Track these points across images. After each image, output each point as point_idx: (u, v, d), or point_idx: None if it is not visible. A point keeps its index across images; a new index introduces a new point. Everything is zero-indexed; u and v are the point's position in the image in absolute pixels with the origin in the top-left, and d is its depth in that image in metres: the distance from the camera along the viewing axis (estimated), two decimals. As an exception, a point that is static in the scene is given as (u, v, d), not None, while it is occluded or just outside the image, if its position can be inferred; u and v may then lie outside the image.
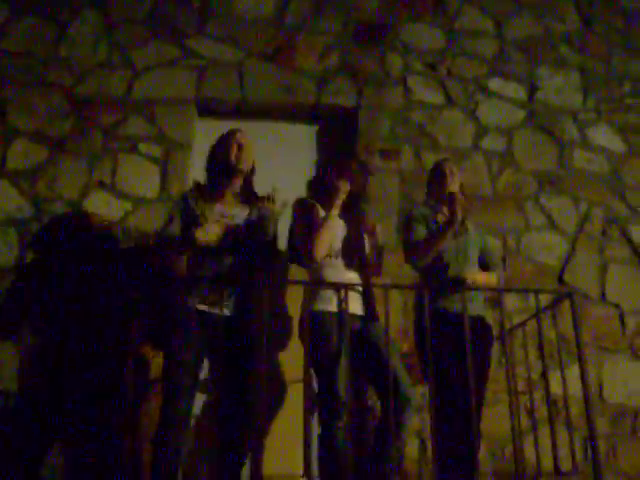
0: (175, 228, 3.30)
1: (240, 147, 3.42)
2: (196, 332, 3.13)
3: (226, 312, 3.19)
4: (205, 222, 3.24)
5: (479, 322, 3.45)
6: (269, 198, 3.43)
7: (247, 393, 3.13)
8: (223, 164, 3.41)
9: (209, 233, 3.17)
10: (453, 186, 3.63)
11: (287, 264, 3.60)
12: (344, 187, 3.34)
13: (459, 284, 3.40)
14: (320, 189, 3.45)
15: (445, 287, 3.45)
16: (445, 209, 3.54)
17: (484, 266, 3.68)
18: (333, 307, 3.16)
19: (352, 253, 3.31)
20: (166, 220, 3.37)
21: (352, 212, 3.42)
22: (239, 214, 3.39)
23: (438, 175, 3.71)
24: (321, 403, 3.11)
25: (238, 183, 3.46)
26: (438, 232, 3.47)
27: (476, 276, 3.51)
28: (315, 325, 3.13)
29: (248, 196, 3.47)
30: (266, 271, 3.41)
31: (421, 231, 3.54)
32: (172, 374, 3.07)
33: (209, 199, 3.38)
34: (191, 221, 3.28)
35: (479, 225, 3.79)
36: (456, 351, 3.17)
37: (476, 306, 3.46)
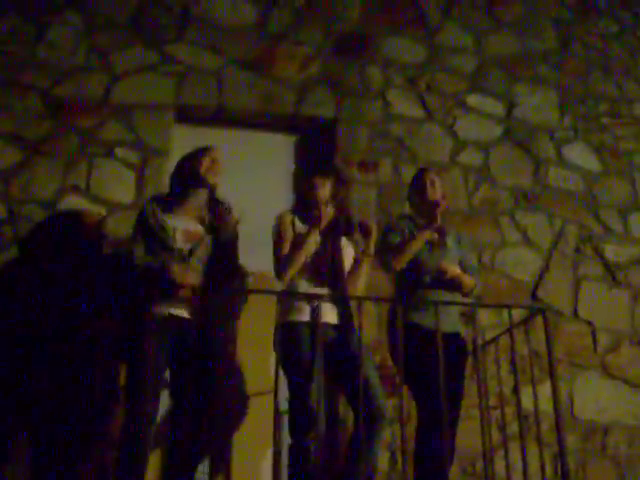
0: (140, 252, 3.26)
1: (213, 162, 3.41)
2: (164, 336, 3.11)
3: (186, 315, 3.17)
4: (171, 236, 3.23)
5: (453, 337, 3.43)
6: (226, 210, 3.42)
7: (204, 402, 3.10)
8: (191, 175, 3.38)
9: (188, 277, 3.14)
10: (434, 196, 3.57)
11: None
12: (325, 196, 3.40)
13: (440, 276, 3.41)
14: (304, 203, 3.47)
15: (424, 287, 3.45)
16: (422, 221, 3.53)
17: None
18: (306, 317, 3.13)
19: (326, 266, 3.31)
20: (131, 244, 3.33)
21: (331, 223, 3.41)
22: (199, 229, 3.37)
23: (419, 185, 3.66)
24: (292, 415, 3.09)
25: (202, 197, 3.42)
26: (414, 235, 3.46)
27: (456, 270, 3.49)
28: (288, 336, 3.11)
29: (208, 211, 3.44)
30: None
31: (397, 237, 3.51)
32: (140, 378, 3.04)
33: (171, 211, 3.34)
34: (153, 234, 3.25)
35: (458, 236, 3.77)
36: (429, 366, 3.12)
37: (450, 321, 3.45)
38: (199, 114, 4.66)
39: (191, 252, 3.25)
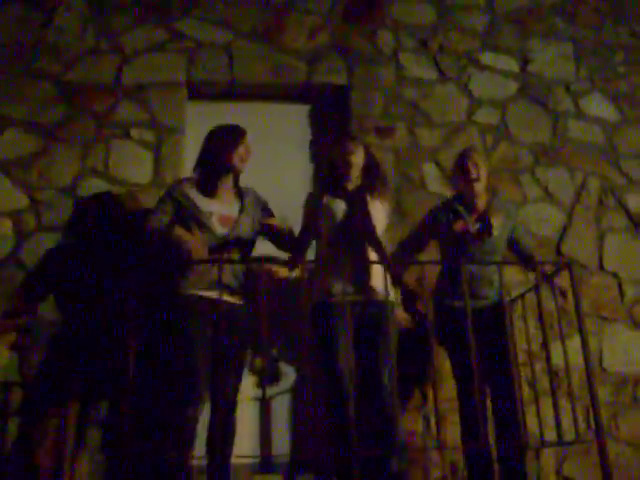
0: (165, 219, 3.33)
1: (246, 151, 3.47)
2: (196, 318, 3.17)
3: (229, 299, 3.25)
4: (209, 220, 3.30)
5: (496, 310, 3.45)
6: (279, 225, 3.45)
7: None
8: (225, 164, 3.45)
9: (199, 249, 3.19)
10: (477, 184, 3.66)
11: None
12: (352, 159, 3.45)
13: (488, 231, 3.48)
14: (329, 175, 3.53)
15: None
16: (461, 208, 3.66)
17: (520, 253, 3.79)
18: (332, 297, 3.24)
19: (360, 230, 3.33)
20: (157, 206, 3.40)
21: (359, 188, 3.45)
22: (234, 208, 3.44)
23: (461, 169, 3.72)
24: (328, 387, 3.13)
25: (230, 180, 3.50)
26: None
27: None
28: (318, 316, 3.23)
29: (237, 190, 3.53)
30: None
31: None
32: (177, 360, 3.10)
33: (204, 195, 3.41)
34: (189, 217, 3.31)
35: (510, 212, 3.79)
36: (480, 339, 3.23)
37: (493, 294, 3.50)
38: (211, 89, 4.65)
39: (232, 238, 3.33)
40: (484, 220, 3.58)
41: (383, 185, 3.51)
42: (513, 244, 3.79)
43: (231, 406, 3.20)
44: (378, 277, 3.30)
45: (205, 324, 3.16)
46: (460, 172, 3.73)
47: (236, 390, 3.24)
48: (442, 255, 3.76)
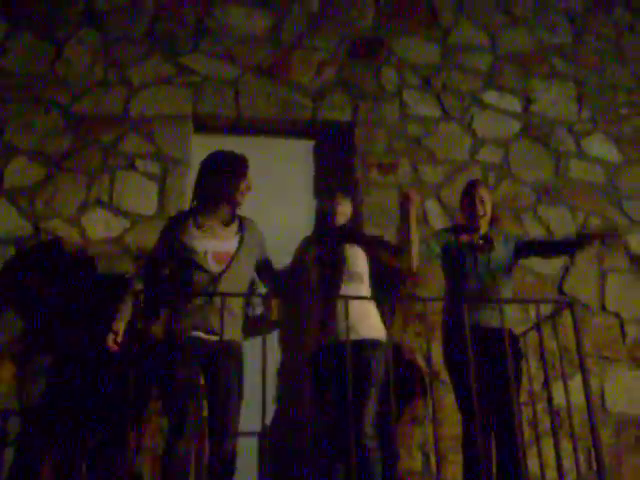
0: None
1: (248, 188, 3.40)
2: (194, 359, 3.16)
3: (214, 338, 3.15)
4: (204, 260, 3.25)
5: (499, 333, 3.42)
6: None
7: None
8: (226, 196, 3.36)
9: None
10: (483, 210, 3.75)
11: None
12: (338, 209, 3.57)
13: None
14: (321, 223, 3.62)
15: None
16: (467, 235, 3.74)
17: (548, 248, 3.89)
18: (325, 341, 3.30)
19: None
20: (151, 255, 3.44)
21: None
22: (232, 243, 3.35)
23: (468, 204, 3.80)
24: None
25: (227, 211, 3.40)
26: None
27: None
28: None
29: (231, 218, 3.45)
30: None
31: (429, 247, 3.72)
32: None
33: (200, 229, 3.33)
34: (184, 259, 3.28)
35: (505, 237, 3.82)
36: (485, 364, 3.30)
37: (496, 316, 3.49)
38: (217, 123, 4.70)
39: (220, 275, 3.24)
40: (485, 238, 3.72)
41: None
42: (527, 250, 3.81)
43: (229, 439, 3.16)
44: (373, 318, 3.36)
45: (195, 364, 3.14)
46: (467, 206, 3.79)
47: (235, 423, 3.20)
48: (447, 290, 3.77)
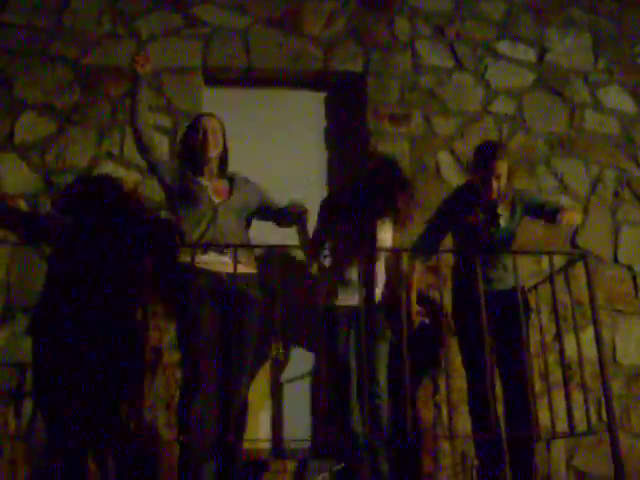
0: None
1: (205, 133, 3.43)
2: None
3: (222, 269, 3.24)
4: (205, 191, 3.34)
5: (511, 294, 3.40)
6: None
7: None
8: (191, 151, 3.46)
9: None
10: (496, 181, 3.53)
11: None
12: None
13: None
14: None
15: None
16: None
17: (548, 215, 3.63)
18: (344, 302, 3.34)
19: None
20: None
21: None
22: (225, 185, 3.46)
23: (484, 164, 3.54)
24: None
25: (214, 164, 3.48)
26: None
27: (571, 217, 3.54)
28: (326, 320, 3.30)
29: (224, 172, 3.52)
30: None
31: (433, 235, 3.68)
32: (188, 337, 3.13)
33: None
34: (186, 189, 3.35)
35: (521, 197, 3.74)
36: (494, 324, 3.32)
37: (509, 278, 3.51)
38: (228, 75, 4.64)
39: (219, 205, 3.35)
40: (492, 211, 3.59)
41: (404, 208, 3.48)
42: (537, 212, 3.68)
43: (241, 387, 3.20)
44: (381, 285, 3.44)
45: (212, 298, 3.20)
46: (483, 167, 3.55)
47: (247, 370, 3.24)
48: (455, 245, 3.75)
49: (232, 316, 3.14)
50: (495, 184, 3.51)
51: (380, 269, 3.44)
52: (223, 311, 3.20)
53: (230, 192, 3.43)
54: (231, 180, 3.49)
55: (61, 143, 4.27)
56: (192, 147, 3.44)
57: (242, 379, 3.17)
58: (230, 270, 3.10)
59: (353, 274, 3.31)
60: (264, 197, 3.55)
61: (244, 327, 3.21)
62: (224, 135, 3.49)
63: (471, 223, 3.60)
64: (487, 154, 3.53)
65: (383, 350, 3.39)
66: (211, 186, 3.39)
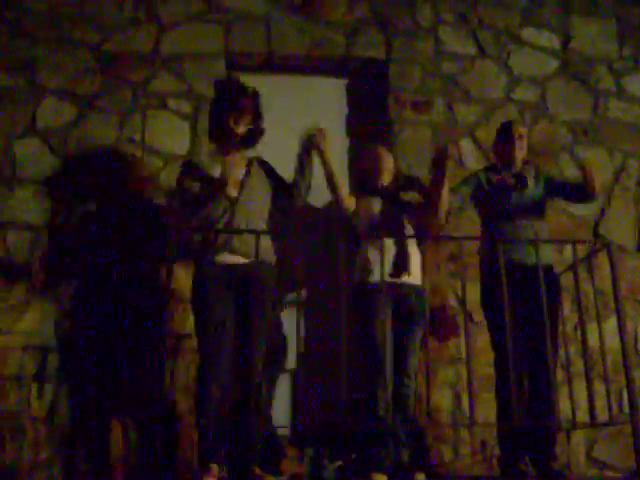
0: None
1: (242, 115, 3.42)
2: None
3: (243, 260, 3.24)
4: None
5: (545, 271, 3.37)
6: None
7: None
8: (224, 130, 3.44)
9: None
10: (520, 151, 3.70)
11: None
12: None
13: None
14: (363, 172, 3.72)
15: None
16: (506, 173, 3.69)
17: (577, 192, 3.69)
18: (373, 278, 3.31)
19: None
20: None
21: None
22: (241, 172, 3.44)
23: (505, 138, 3.74)
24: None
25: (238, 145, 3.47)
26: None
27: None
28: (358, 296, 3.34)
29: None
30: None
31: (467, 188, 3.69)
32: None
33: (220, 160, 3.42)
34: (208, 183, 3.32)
35: (540, 170, 3.83)
36: (523, 301, 3.31)
37: (543, 255, 3.44)
38: (249, 61, 4.63)
39: (237, 199, 3.32)
40: (518, 177, 3.68)
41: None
42: (561, 189, 3.75)
43: (254, 370, 3.17)
44: (414, 264, 3.42)
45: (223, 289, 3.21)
46: (504, 143, 3.73)
47: (260, 353, 3.21)
48: (482, 220, 3.77)
49: (243, 301, 3.19)
50: (518, 143, 3.67)
51: (414, 251, 3.45)
52: (236, 296, 3.22)
53: (248, 179, 3.41)
54: (250, 163, 3.49)
55: (83, 128, 4.28)
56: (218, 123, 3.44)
57: (255, 355, 3.17)
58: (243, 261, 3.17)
59: (390, 250, 3.32)
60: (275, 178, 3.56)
61: (256, 308, 3.21)
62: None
63: (501, 183, 3.65)
64: (506, 124, 3.80)
65: (417, 336, 3.36)
66: (232, 173, 3.32)
